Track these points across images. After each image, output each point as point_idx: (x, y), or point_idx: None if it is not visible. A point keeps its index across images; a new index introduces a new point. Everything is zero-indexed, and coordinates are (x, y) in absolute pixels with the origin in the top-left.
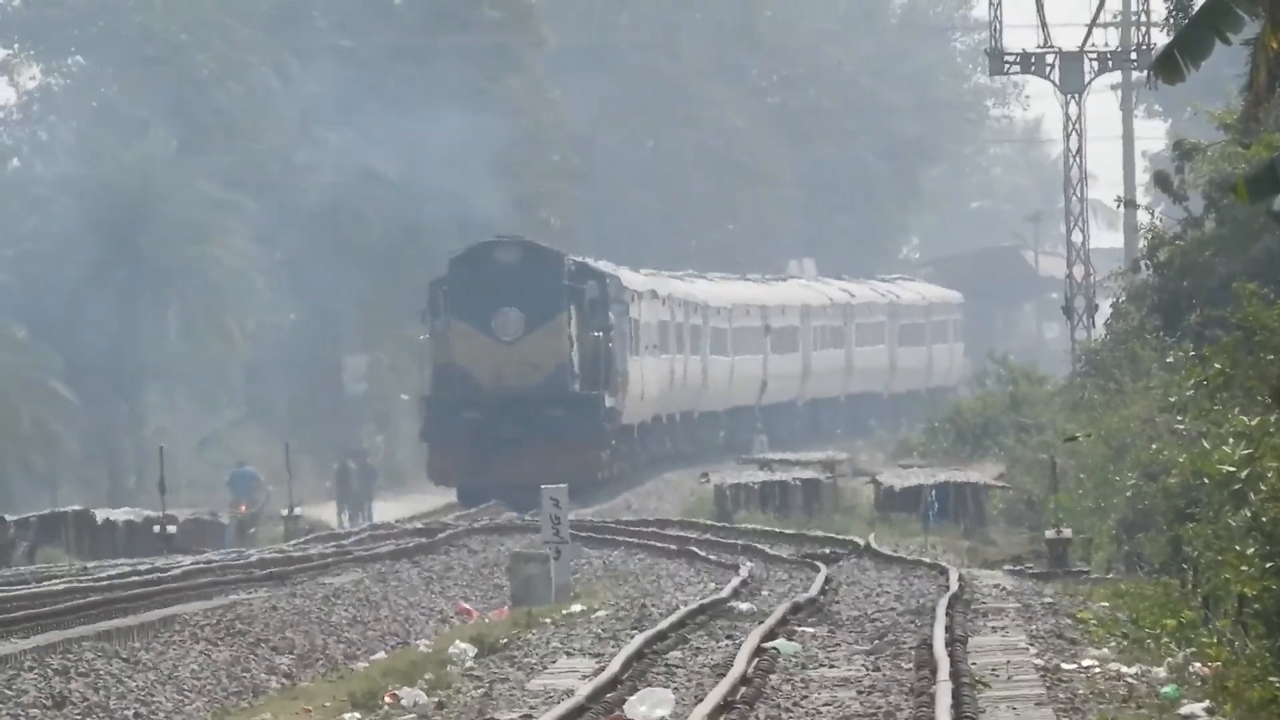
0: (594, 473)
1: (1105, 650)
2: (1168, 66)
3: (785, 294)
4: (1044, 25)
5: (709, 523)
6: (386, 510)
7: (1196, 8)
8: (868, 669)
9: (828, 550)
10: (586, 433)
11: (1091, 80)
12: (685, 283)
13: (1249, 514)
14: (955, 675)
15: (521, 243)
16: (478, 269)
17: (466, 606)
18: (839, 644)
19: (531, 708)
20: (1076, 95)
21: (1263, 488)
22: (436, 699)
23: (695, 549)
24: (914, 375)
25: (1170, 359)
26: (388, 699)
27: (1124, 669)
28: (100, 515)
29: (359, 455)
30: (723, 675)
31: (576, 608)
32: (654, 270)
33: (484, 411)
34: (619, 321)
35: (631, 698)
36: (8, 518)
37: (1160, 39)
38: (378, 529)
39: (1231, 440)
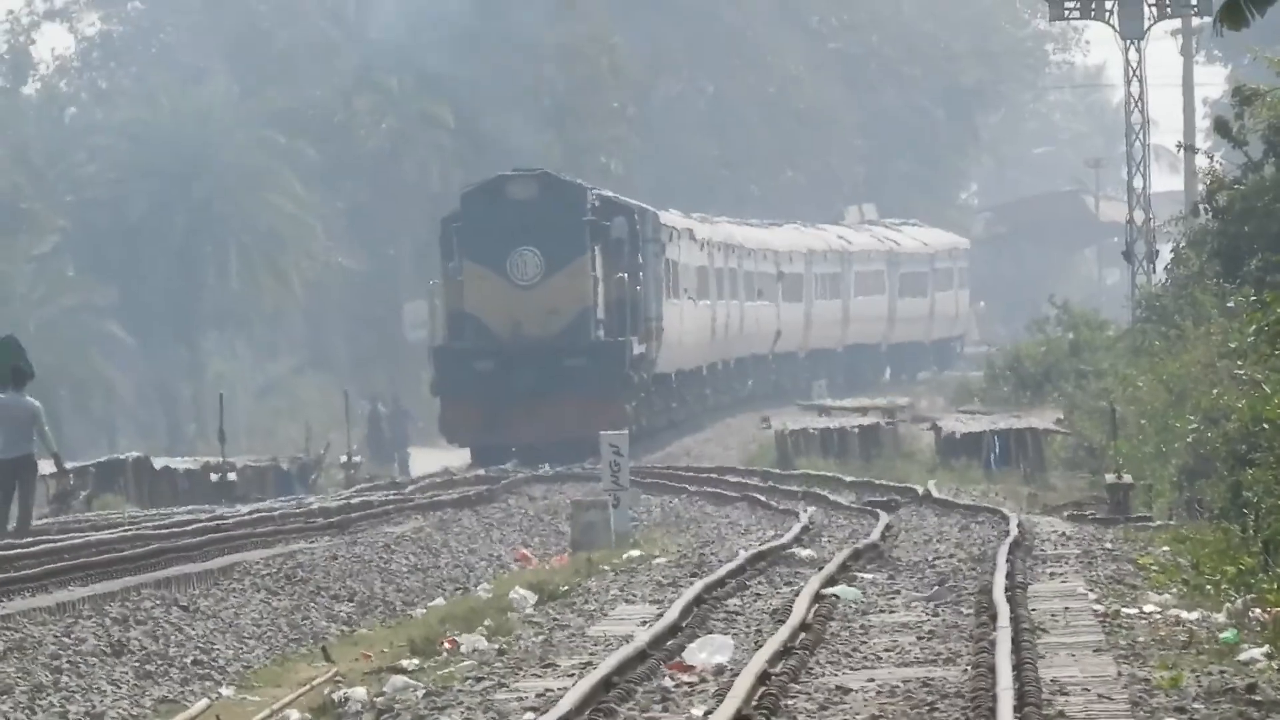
0: (620, 427)
1: (1165, 596)
2: (1233, 14)
3: (791, 240)
4: None
5: (768, 470)
6: (429, 459)
7: None
8: (927, 615)
9: (888, 497)
10: (610, 384)
11: (1151, 26)
12: (724, 225)
13: None
14: (1015, 621)
15: (540, 175)
16: (492, 205)
17: (525, 553)
18: (899, 590)
19: (592, 654)
20: (1137, 41)
21: None
22: (497, 645)
23: (756, 495)
24: (914, 326)
25: (1230, 304)
26: (447, 645)
27: (1184, 614)
28: (159, 463)
29: (393, 400)
30: (782, 621)
31: (636, 554)
32: (683, 212)
33: (499, 363)
34: (653, 262)
35: (691, 644)
36: (67, 465)
37: None
38: (436, 477)
39: None
